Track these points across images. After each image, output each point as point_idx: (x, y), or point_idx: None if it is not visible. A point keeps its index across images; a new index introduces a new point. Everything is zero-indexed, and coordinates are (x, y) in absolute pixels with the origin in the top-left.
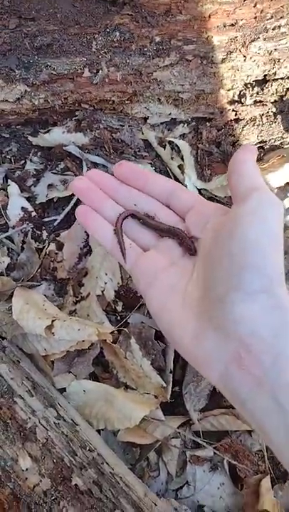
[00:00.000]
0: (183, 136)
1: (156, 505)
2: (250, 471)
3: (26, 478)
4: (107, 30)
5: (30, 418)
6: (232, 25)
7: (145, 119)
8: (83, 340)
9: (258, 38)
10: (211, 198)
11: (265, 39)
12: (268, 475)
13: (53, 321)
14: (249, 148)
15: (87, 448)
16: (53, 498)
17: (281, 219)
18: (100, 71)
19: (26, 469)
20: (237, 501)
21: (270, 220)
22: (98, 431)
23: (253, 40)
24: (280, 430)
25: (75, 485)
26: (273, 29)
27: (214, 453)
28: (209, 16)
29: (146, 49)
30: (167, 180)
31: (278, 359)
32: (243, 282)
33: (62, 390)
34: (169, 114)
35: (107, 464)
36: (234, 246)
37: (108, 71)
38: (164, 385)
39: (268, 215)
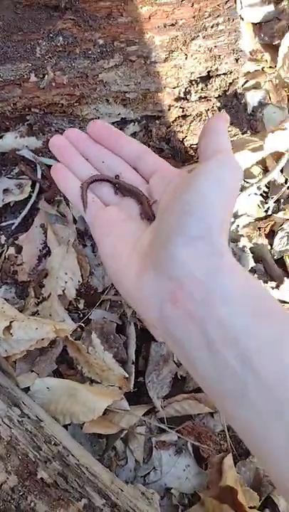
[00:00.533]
0: (134, 134)
1: (122, 491)
2: (212, 451)
3: None
4: (51, 35)
5: None
6: (172, 25)
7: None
8: (43, 339)
9: (198, 36)
10: None
11: (204, 37)
12: (230, 453)
13: (10, 322)
14: (221, 117)
15: (52, 442)
16: (21, 493)
17: (238, 183)
18: (46, 76)
19: None
20: (202, 481)
21: (226, 180)
22: (65, 426)
23: (193, 39)
24: (206, 365)
25: (41, 478)
26: (212, 27)
27: (178, 437)
28: (149, 17)
29: (90, 52)
30: (138, 143)
31: (209, 296)
32: (185, 227)
33: (27, 389)
34: (119, 114)
35: (73, 455)
36: (186, 195)
37: (54, 75)
38: (127, 375)
39: (225, 175)
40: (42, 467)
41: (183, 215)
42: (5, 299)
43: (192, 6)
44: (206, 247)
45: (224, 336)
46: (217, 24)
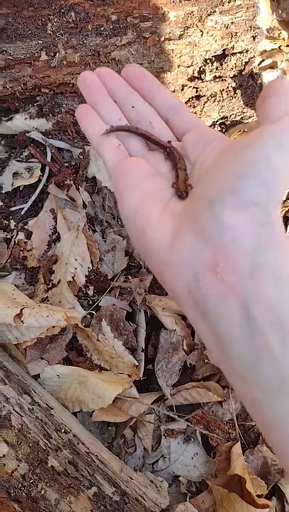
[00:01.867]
0: None
1: (132, 479)
2: (221, 439)
3: (4, 465)
4: (62, 10)
5: (4, 406)
6: None
7: None
8: (53, 327)
9: (214, 11)
10: None
11: (221, 12)
12: (238, 442)
13: (21, 309)
14: (283, 81)
15: (62, 430)
16: (31, 481)
17: None
18: (57, 54)
19: (3, 456)
20: (210, 469)
21: None
22: (75, 413)
23: (209, 14)
24: (242, 345)
25: (52, 466)
26: (229, 2)
27: (187, 425)
28: None
29: (102, 28)
30: (173, 96)
31: (257, 270)
32: (240, 188)
33: (37, 377)
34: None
35: (83, 443)
36: (243, 156)
37: (65, 53)
38: (136, 363)
39: None
40: (52, 455)
41: (239, 176)
42: (15, 285)
43: None
44: (260, 214)
45: (269, 315)
46: None
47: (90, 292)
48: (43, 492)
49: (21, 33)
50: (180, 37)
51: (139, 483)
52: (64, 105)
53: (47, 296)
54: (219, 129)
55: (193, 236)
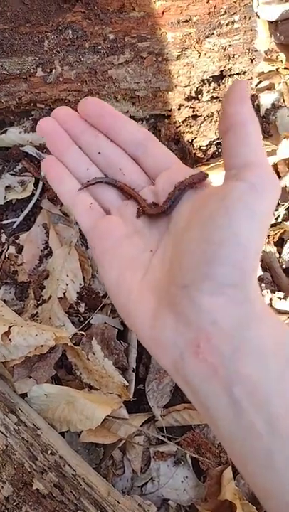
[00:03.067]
0: None
1: (119, 503)
2: (212, 463)
3: None
4: (60, 28)
5: None
6: (186, 21)
7: None
8: (42, 346)
9: (212, 33)
10: None
11: (219, 35)
12: (230, 466)
13: (9, 327)
14: (242, 91)
15: (49, 451)
16: (15, 503)
17: (275, 205)
18: (54, 70)
19: None
20: (200, 493)
21: (263, 211)
22: (62, 433)
23: (207, 36)
24: (228, 423)
25: (37, 489)
26: (227, 25)
27: (177, 448)
28: (163, 13)
29: (100, 47)
30: (138, 127)
31: (238, 351)
32: (214, 274)
33: (24, 395)
34: (127, 112)
35: (69, 465)
36: (214, 233)
37: (62, 70)
38: (127, 383)
39: (262, 205)
40: (38, 478)
41: (209, 261)
42: (4, 301)
43: (207, 1)
44: (237, 294)
45: (252, 396)
46: (233, 22)
47: (81, 309)
48: None
49: (17, 48)
50: (178, 57)
51: (127, 507)
52: None
53: (37, 312)
54: (215, 149)
55: (174, 319)
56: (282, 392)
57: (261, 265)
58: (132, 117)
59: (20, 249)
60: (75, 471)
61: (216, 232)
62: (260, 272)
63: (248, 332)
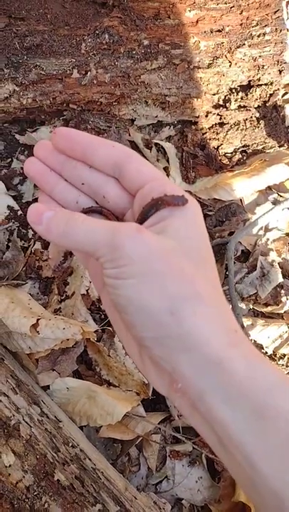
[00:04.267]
0: (169, 138)
1: (136, 498)
2: None
3: (9, 474)
4: (97, 32)
5: (14, 415)
6: (219, 31)
7: (132, 120)
8: (68, 339)
9: (244, 44)
10: None
11: (250, 46)
12: None
13: (38, 319)
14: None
15: (70, 444)
16: (36, 493)
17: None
18: (89, 72)
19: (9, 465)
20: (214, 494)
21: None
22: (81, 427)
23: (238, 47)
24: (217, 451)
25: (58, 480)
26: (258, 36)
27: (193, 448)
28: (196, 22)
29: (134, 52)
30: (111, 147)
31: (204, 395)
32: (141, 332)
33: (46, 388)
34: (156, 117)
35: (89, 459)
36: (118, 306)
37: (97, 73)
38: (146, 382)
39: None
40: (59, 469)
41: (128, 317)
42: (29, 294)
43: (241, 13)
44: (176, 344)
45: (228, 435)
46: (264, 34)
47: (103, 306)
48: (46, 505)
49: (56, 50)
50: (209, 66)
51: (143, 503)
52: (90, 122)
53: (60, 308)
54: (240, 156)
55: (151, 363)
56: (255, 434)
57: (282, 272)
58: (160, 122)
59: (46, 245)
60: (94, 464)
61: (117, 303)
62: (281, 279)
63: (209, 379)
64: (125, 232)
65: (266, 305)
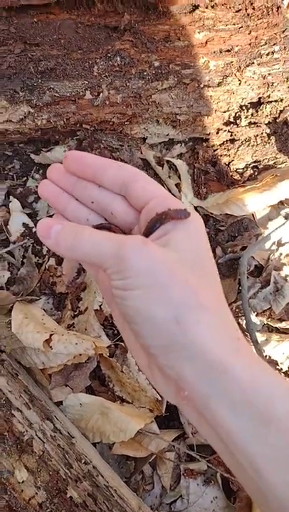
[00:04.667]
0: (180, 155)
1: None
2: None
3: (22, 491)
4: (109, 55)
5: (27, 431)
6: (228, 50)
7: (144, 139)
8: (80, 354)
9: (253, 63)
10: (207, 216)
11: (259, 64)
12: None
13: (51, 335)
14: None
15: (83, 461)
16: (48, 510)
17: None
18: (101, 94)
19: (22, 481)
20: None
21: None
22: (94, 444)
23: (247, 65)
24: (225, 459)
25: (70, 497)
26: (267, 55)
27: (208, 466)
28: (206, 42)
29: (145, 73)
30: (119, 168)
31: (209, 403)
32: (147, 341)
33: (59, 403)
34: (167, 135)
35: (102, 476)
36: (125, 316)
37: (109, 94)
38: (160, 398)
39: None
40: (72, 485)
41: (135, 327)
42: (43, 310)
43: (249, 33)
44: (181, 351)
45: (233, 442)
46: (273, 52)
47: None
48: None
49: (69, 73)
50: (219, 84)
51: None
52: (103, 141)
53: (73, 323)
54: (251, 172)
55: (159, 372)
56: (259, 440)
57: None
58: (172, 140)
59: (60, 261)
60: (107, 482)
61: (124, 314)
62: None
63: (214, 386)
64: (131, 244)
65: (280, 320)
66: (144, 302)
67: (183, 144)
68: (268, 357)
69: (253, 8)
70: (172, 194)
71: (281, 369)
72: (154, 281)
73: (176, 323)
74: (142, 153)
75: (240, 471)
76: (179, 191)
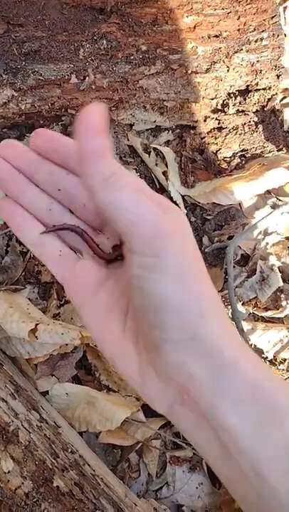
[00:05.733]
0: (167, 143)
1: (136, 505)
2: None
3: (8, 481)
4: (95, 38)
5: (12, 421)
6: (216, 36)
7: (131, 125)
8: (66, 344)
9: (241, 49)
10: (194, 205)
11: (247, 51)
12: None
13: (36, 324)
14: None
15: (69, 450)
16: (35, 500)
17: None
18: (87, 78)
19: (8, 472)
20: (215, 500)
21: (188, 254)
22: (80, 433)
23: (236, 52)
24: (221, 465)
25: (57, 486)
26: (256, 41)
27: (193, 453)
28: (194, 27)
29: (132, 57)
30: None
31: (215, 399)
32: (167, 334)
33: (45, 393)
34: (154, 121)
35: (89, 465)
36: (146, 301)
37: (95, 78)
38: None
39: (186, 252)
40: (58, 475)
41: (153, 324)
42: (28, 299)
43: (238, 18)
44: (198, 347)
45: (235, 442)
46: (261, 39)
47: None
48: None
49: (54, 55)
50: (207, 71)
51: (143, 510)
52: None
53: (59, 312)
54: (239, 160)
55: (157, 376)
56: (260, 438)
57: (282, 276)
58: (159, 127)
59: None
60: (94, 470)
61: (146, 300)
62: (280, 283)
63: (223, 383)
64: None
65: (266, 309)
66: (174, 289)
67: (170, 131)
68: (253, 345)
69: None
70: (159, 183)
71: (266, 357)
72: (182, 268)
73: (201, 317)
74: (128, 140)
75: (239, 479)
76: (166, 179)
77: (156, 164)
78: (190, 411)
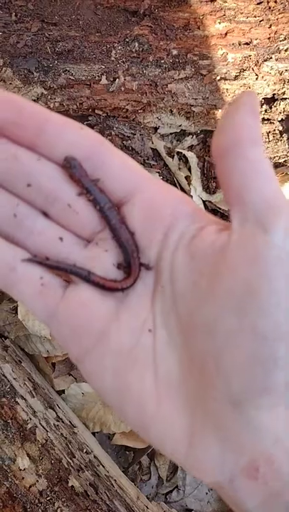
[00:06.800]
0: (191, 147)
1: (147, 507)
2: None
3: (23, 478)
4: (127, 40)
5: (31, 419)
6: (247, 43)
7: (156, 128)
8: None
9: (271, 58)
10: (215, 211)
11: (277, 59)
12: None
13: None
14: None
15: (84, 450)
16: (49, 498)
17: None
18: (117, 79)
19: (24, 469)
20: (224, 506)
21: None
22: (93, 433)
23: (265, 60)
24: None
25: (72, 486)
26: (286, 50)
27: None
28: (226, 34)
29: (162, 61)
30: (81, 132)
31: None
32: (275, 382)
33: (61, 392)
34: (180, 126)
35: (103, 466)
36: (264, 321)
37: (125, 80)
38: None
39: None
40: (74, 475)
41: (268, 360)
42: None
43: (269, 27)
44: None
45: None
46: None
47: None
48: (59, 511)
49: (86, 56)
50: (235, 78)
51: None
52: (114, 128)
53: None
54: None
55: (219, 442)
56: None
57: None
58: (183, 131)
59: None
60: (108, 472)
61: (265, 320)
62: None
63: None
64: None
65: None
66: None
67: (194, 136)
68: None
69: (275, 2)
70: (181, 187)
71: None
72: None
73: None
74: (152, 142)
75: None
76: (189, 184)
77: (180, 168)
78: (260, 485)
